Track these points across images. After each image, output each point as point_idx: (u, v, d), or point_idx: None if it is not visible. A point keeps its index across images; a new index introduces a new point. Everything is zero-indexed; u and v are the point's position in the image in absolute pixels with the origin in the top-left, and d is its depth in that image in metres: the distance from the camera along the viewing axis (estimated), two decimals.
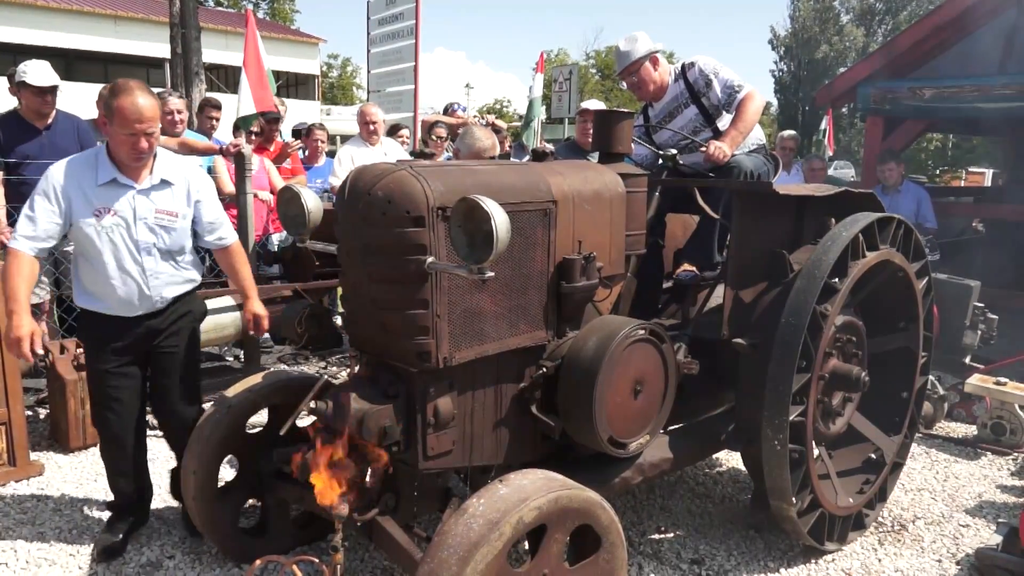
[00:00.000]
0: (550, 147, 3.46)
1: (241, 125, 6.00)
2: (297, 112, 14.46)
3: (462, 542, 2.03)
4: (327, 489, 2.44)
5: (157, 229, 2.90)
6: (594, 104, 5.86)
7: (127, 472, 3.15)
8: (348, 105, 33.27)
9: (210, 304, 4.58)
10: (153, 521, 3.40)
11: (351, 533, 3.05)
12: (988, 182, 17.61)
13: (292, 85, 32.93)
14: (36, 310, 4.24)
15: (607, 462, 2.87)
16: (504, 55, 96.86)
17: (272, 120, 6.30)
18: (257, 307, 3.24)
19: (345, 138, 11.27)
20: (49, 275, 4.82)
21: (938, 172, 24.70)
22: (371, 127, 6.28)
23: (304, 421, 2.94)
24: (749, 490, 3.56)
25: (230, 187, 5.48)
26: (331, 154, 7.62)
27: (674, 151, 3.66)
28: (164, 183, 2.92)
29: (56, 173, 2.81)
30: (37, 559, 3.08)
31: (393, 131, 7.34)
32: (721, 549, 3.36)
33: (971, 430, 4.91)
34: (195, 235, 3.08)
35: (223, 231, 3.15)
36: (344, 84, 47.00)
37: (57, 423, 4.28)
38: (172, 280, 3.00)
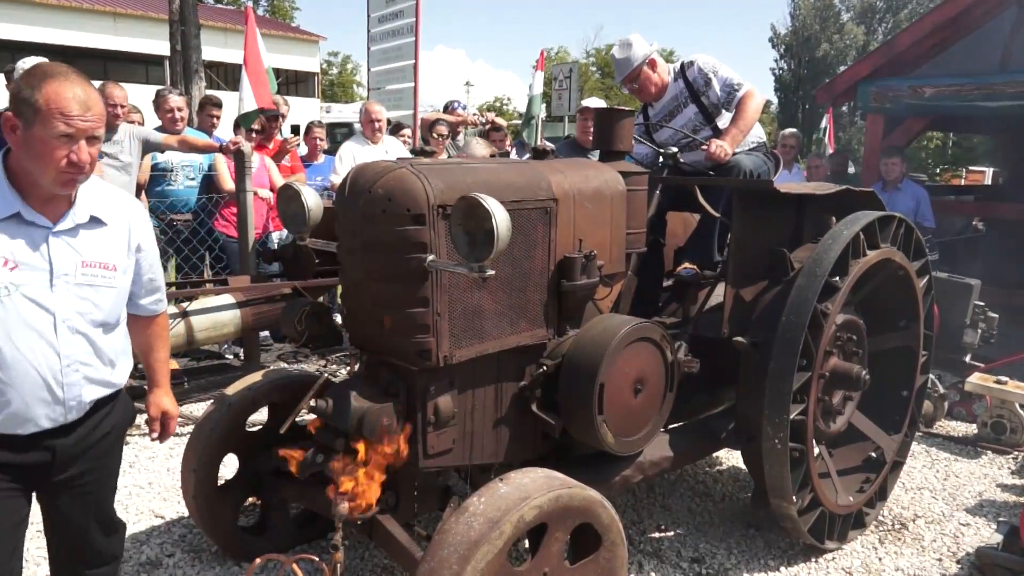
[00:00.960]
0: (550, 145, 3.45)
1: (242, 123, 5.99)
2: (297, 110, 14.45)
3: (462, 540, 2.03)
4: (366, 488, 2.46)
5: (87, 291, 1.91)
6: (594, 102, 5.85)
7: None
8: (348, 103, 33.25)
9: (209, 302, 4.59)
10: (152, 519, 3.40)
11: (351, 532, 3.05)
12: (988, 181, 17.60)
13: (292, 83, 32.93)
14: None
15: (607, 461, 2.87)
16: (504, 53, 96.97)
17: (272, 118, 6.30)
18: (165, 401, 2.32)
19: (345, 136, 11.23)
20: None
21: (938, 171, 24.68)
22: (375, 124, 6.27)
23: (304, 419, 2.93)
24: (749, 488, 3.55)
25: (230, 185, 5.48)
26: (330, 152, 7.61)
27: (675, 149, 3.66)
28: (95, 222, 1.94)
29: None
30: (37, 558, 3.08)
31: (396, 130, 7.34)
32: (721, 547, 3.36)
33: (971, 429, 4.91)
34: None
35: (162, 293, 2.24)
36: (344, 82, 46.99)
37: None
38: (97, 375, 1.97)
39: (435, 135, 6.67)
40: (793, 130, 7.83)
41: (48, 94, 1.74)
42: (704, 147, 3.56)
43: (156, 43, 23.60)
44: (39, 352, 1.85)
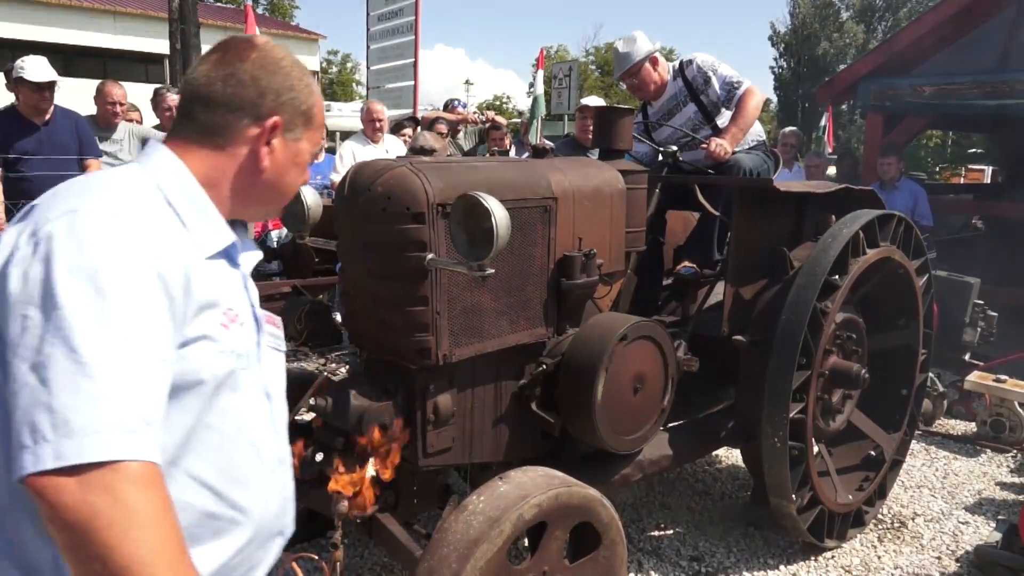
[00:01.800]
0: (550, 144, 3.45)
1: None
2: None
3: (462, 539, 2.03)
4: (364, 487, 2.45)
5: (276, 359, 1.30)
6: (594, 100, 5.86)
7: None
8: (348, 102, 33.23)
9: None
10: None
11: (351, 530, 3.05)
12: (987, 179, 17.61)
13: None
14: None
15: (607, 459, 2.87)
16: (504, 52, 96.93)
17: None
18: None
19: (345, 134, 11.24)
20: None
21: (938, 169, 24.70)
22: (377, 124, 6.26)
23: (303, 418, 2.93)
24: (749, 487, 3.56)
25: None
26: (330, 151, 7.61)
27: (674, 148, 3.66)
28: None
29: (134, 238, 1.00)
30: None
31: (396, 129, 7.34)
32: (721, 546, 3.36)
33: (970, 427, 4.91)
34: None
35: None
36: (344, 80, 46.93)
37: None
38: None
39: (435, 133, 6.67)
40: (794, 129, 7.83)
41: (318, 98, 1.28)
42: (704, 146, 3.56)
43: (156, 41, 23.57)
44: (272, 458, 1.20)
